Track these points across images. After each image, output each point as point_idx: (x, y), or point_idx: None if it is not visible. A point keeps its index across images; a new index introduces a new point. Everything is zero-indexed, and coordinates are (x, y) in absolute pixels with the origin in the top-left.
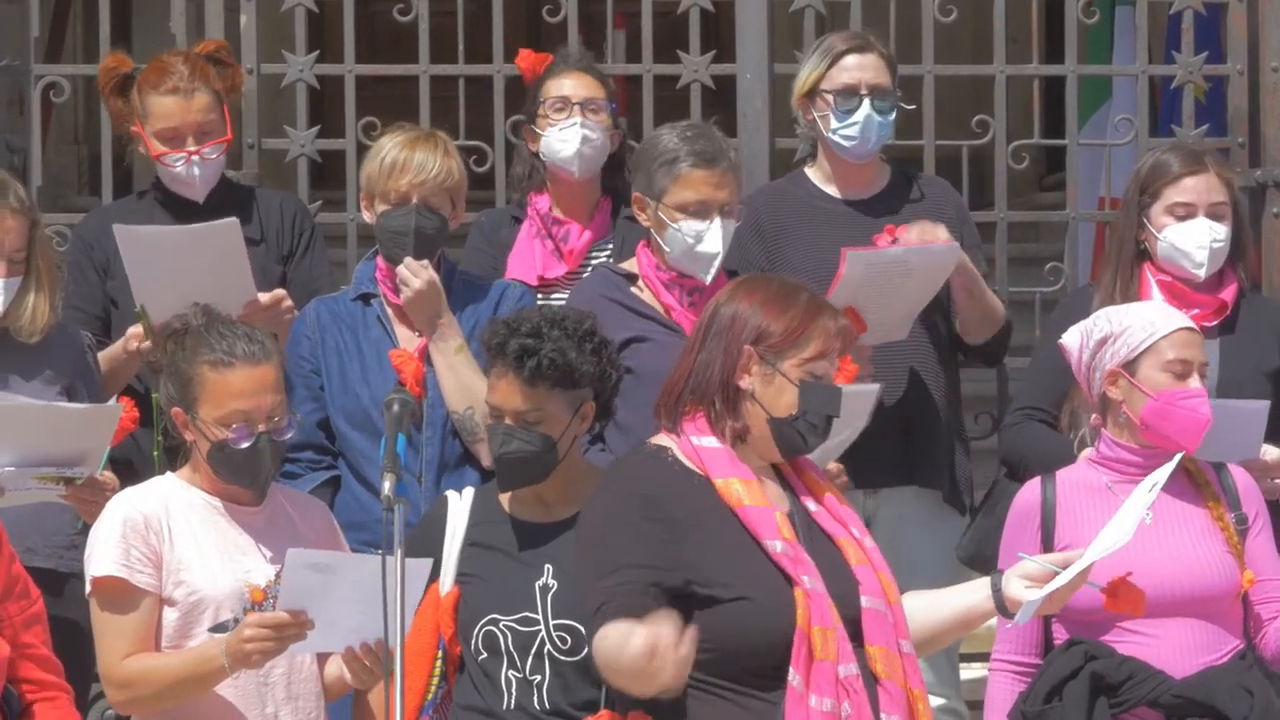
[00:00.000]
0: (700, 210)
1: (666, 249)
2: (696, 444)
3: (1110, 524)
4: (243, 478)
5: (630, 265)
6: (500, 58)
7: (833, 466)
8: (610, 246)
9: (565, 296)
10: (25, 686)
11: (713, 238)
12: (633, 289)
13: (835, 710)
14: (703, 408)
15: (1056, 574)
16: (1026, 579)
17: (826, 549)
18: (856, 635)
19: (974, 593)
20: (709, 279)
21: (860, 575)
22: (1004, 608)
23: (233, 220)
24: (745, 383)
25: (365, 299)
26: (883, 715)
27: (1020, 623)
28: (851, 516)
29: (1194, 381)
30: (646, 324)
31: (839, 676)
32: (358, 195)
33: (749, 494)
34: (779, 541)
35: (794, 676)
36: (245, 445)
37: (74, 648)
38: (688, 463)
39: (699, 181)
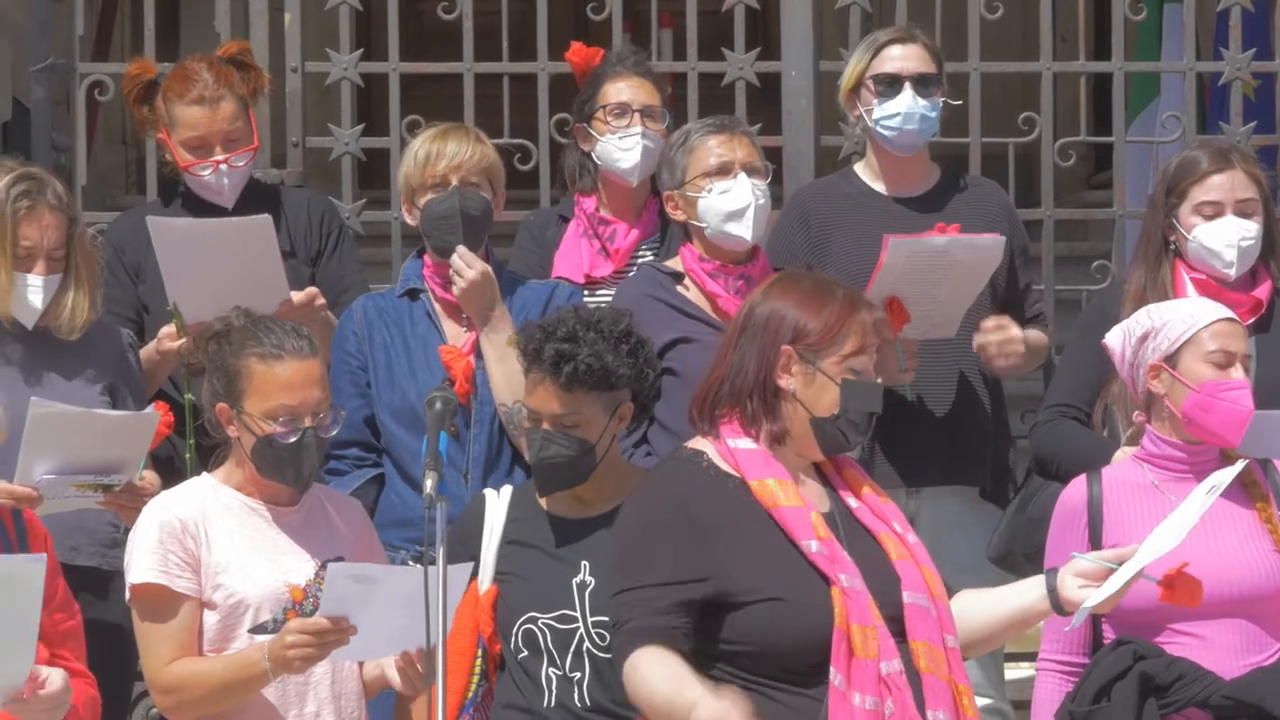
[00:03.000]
0: (722, 169)
1: (703, 224)
2: (732, 446)
3: (1165, 523)
4: (286, 473)
5: (675, 264)
6: (545, 56)
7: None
8: (658, 246)
9: (610, 295)
10: None
11: (740, 191)
12: (678, 288)
13: (878, 708)
14: (737, 409)
15: (1113, 570)
16: (1081, 577)
17: (868, 545)
18: (900, 631)
19: (1028, 592)
20: (750, 237)
21: (902, 571)
22: (1060, 607)
23: (265, 217)
24: (785, 383)
25: (413, 294)
26: (928, 712)
27: (1076, 625)
28: (894, 512)
29: (1236, 372)
30: (691, 324)
31: (881, 674)
32: (400, 194)
33: (784, 494)
34: (814, 541)
35: (835, 675)
36: (292, 439)
37: (117, 647)
38: (723, 466)
39: (713, 145)
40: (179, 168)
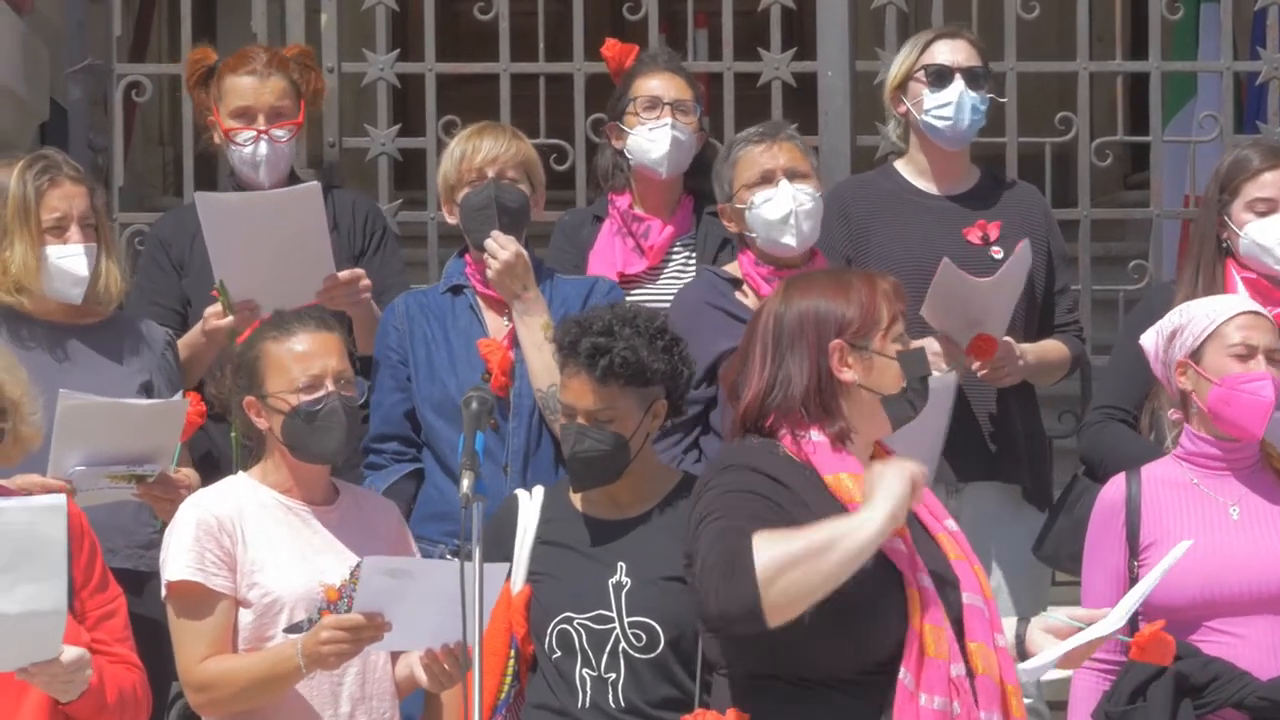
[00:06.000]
0: (764, 179)
1: (753, 234)
2: (801, 439)
3: (1133, 591)
4: (319, 444)
5: (733, 269)
6: (581, 56)
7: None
8: (693, 242)
9: (646, 292)
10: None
11: (781, 198)
12: (737, 294)
13: (946, 709)
14: (787, 420)
15: (1079, 629)
16: (1050, 632)
17: (928, 545)
18: (958, 633)
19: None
20: (795, 243)
21: (959, 571)
22: (1025, 658)
23: (314, 185)
24: (848, 376)
25: (455, 290)
26: (981, 713)
27: (1025, 679)
28: (944, 511)
29: (1258, 364)
30: None
31: (950, 676)
32: (439, 194)
33: (859, 489)
34: (898, 539)
35: (905, 675)
36: (319, 406)
37: (154, 646)
38: (795, 457)
39: (755, 155)
40: (223, 136)
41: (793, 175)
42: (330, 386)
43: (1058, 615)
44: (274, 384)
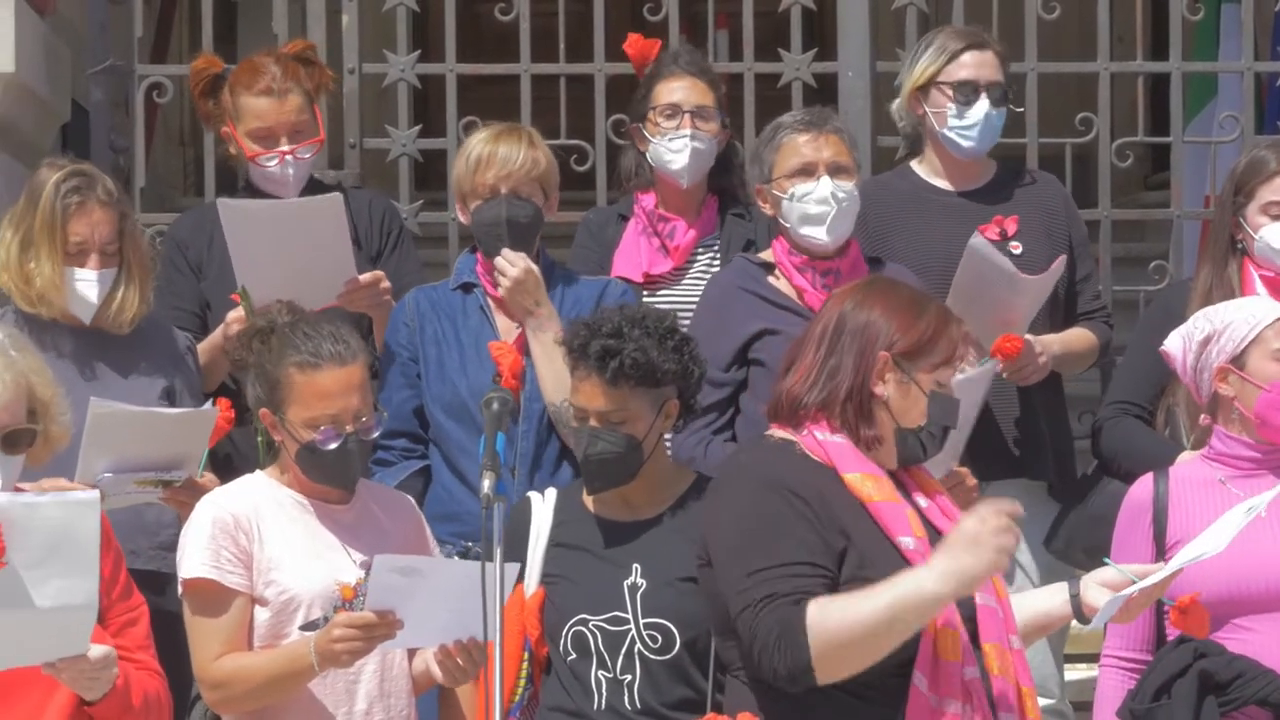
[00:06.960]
0: (805, 170)
1: (786, 224)
2: (821, 439)
3: (1197, 539)
4: (332, 478)
5: (767, 255)
6: (602, 57)
7: (960, 470)
8: (716, 244)
9: (670, 292)
10: None
11: (821, 194)
12: (769, 279)
13: (959, 712)
14: (826, 413)
15: (1134, 582)
16: (1105, 586)
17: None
18: (972, 634)
19: (1052, 597)
20: (829, 240)
21: None
22: (1081, 614)
23: (335, 195)
24: (880, 389)
25: (466, 288)
26: (999, 714)
27: (1094, 628)
28: (959, 513)
29: None
30: (779, 314)
31: (964, 679)
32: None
33: (879, 489)
34: (910, 538)
35: (919, 677)
36: (333, 446)
37: (175, 644)
38: (814, 456)
39: (799, 144)
40: (245, 158)
41: (835, 170)
42: (349, 428)
43: (1113, 568)
44: (294, 413)
